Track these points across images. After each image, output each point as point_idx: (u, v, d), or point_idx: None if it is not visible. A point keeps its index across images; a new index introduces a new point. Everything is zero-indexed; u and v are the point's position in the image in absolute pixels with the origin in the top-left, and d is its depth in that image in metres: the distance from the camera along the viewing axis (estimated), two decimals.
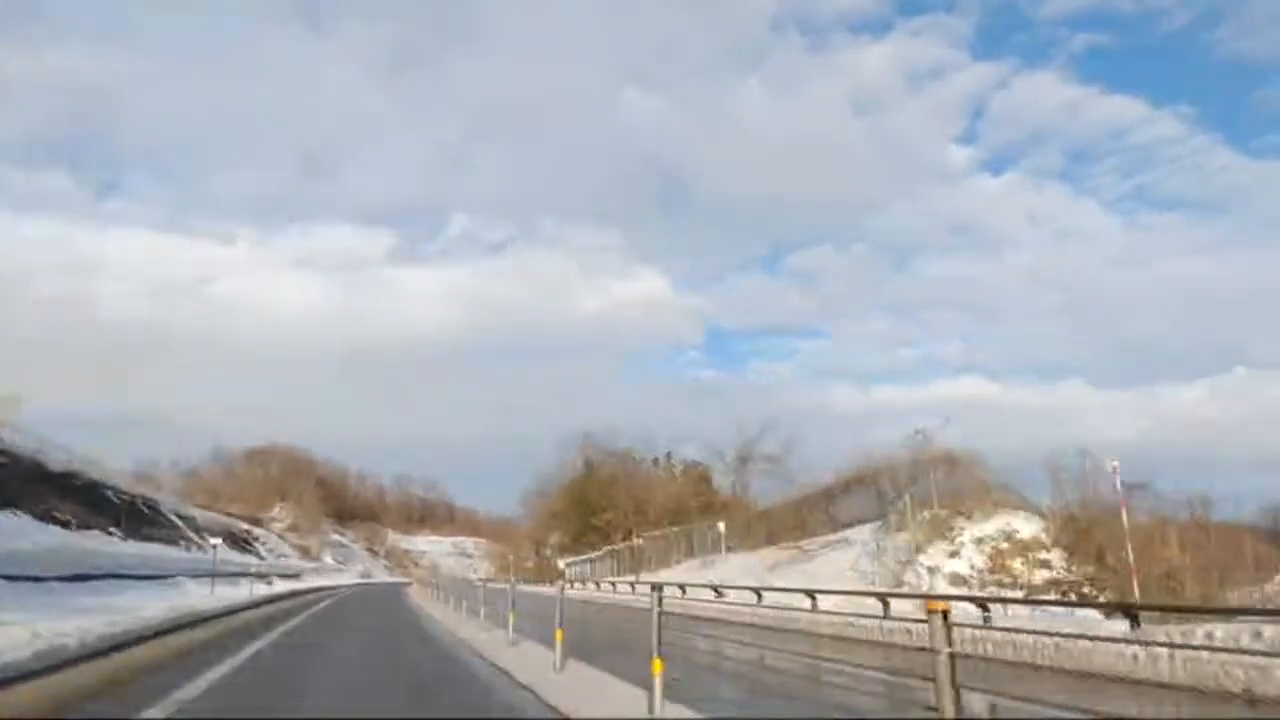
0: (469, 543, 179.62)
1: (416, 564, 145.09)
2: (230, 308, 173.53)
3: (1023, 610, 18.63)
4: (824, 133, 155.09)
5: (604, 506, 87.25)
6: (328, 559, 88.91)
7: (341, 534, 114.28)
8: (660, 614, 7.39)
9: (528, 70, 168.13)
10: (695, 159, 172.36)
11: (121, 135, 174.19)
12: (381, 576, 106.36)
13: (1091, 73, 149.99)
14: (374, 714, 8.35)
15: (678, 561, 51.36)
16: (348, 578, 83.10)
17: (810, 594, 21.13)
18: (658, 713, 7.05)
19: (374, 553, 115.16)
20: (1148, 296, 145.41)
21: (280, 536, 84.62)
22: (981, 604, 16.95)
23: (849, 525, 36.88)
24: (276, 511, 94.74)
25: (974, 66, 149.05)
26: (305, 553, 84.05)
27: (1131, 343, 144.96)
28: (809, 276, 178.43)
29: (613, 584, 49.16)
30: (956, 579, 27.83)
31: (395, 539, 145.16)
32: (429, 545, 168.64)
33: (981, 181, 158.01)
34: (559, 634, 11.01)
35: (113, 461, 51.29)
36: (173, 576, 34.75)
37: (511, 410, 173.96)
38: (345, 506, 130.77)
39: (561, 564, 74.25)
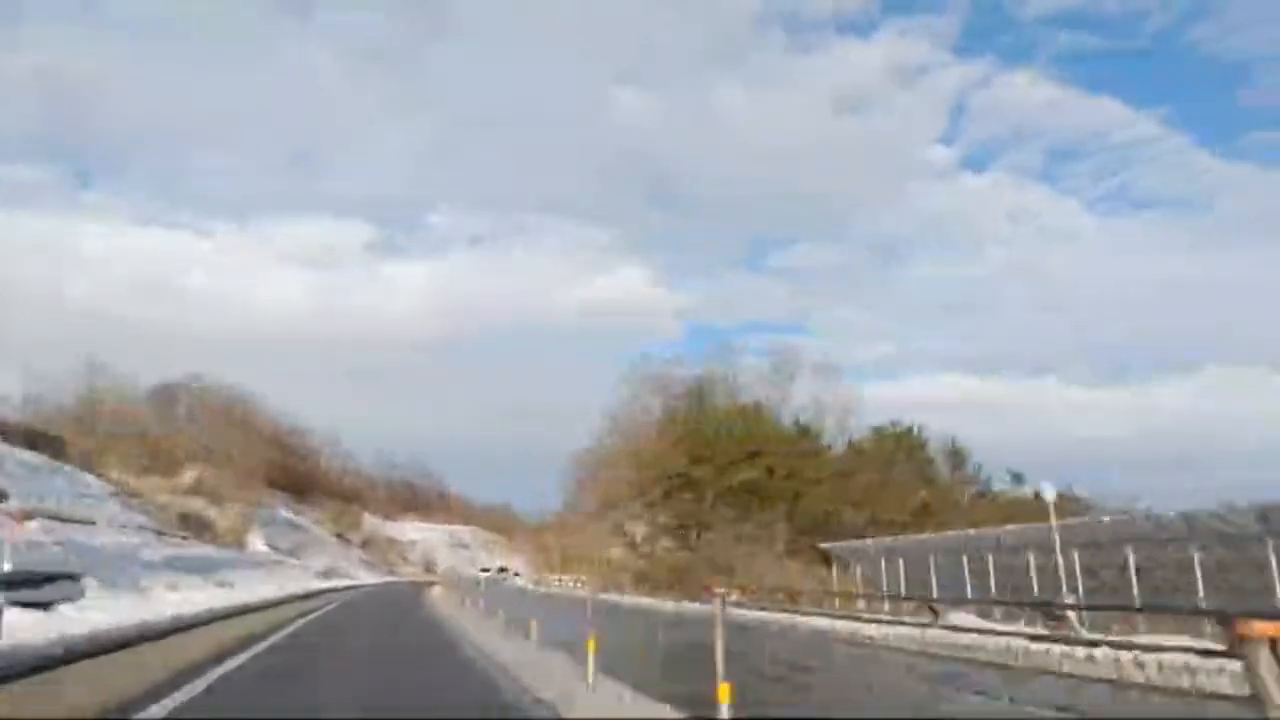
0: (465, 531, 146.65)
1: (405, 557, 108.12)
2: (207, 301, 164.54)
3: None
4: (808, 130, 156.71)
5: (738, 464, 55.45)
6: (258, 545, 51.96)
7: (297, 512, 77.52)
8: None
9: (512, 65, 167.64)
10: (680, 155, 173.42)
11: (97, 126, 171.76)
12: (359, 575, 69.96)
13: (1073, 73, 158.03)
14: None
15: None
16: (298, 579, 46.60)
17: None
18: None
19: (345, 540, 79.22)
20: (1125, 294, 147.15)
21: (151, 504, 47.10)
22: None
23: None
24: (188, 478, 57.56)
25: (957, 66, 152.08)
26: (214, 534, 47.02)
27: (1109, 340, 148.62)
28: (792, 273, 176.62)
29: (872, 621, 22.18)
30: None
31: (375, 524, 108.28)
32: (419, 533, 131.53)
33: (964, 180, 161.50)
34: None
35: None
36: None
37: (497, 404, 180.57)
38: (305, 479, 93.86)
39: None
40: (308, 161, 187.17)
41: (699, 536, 58.87)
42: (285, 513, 72.07)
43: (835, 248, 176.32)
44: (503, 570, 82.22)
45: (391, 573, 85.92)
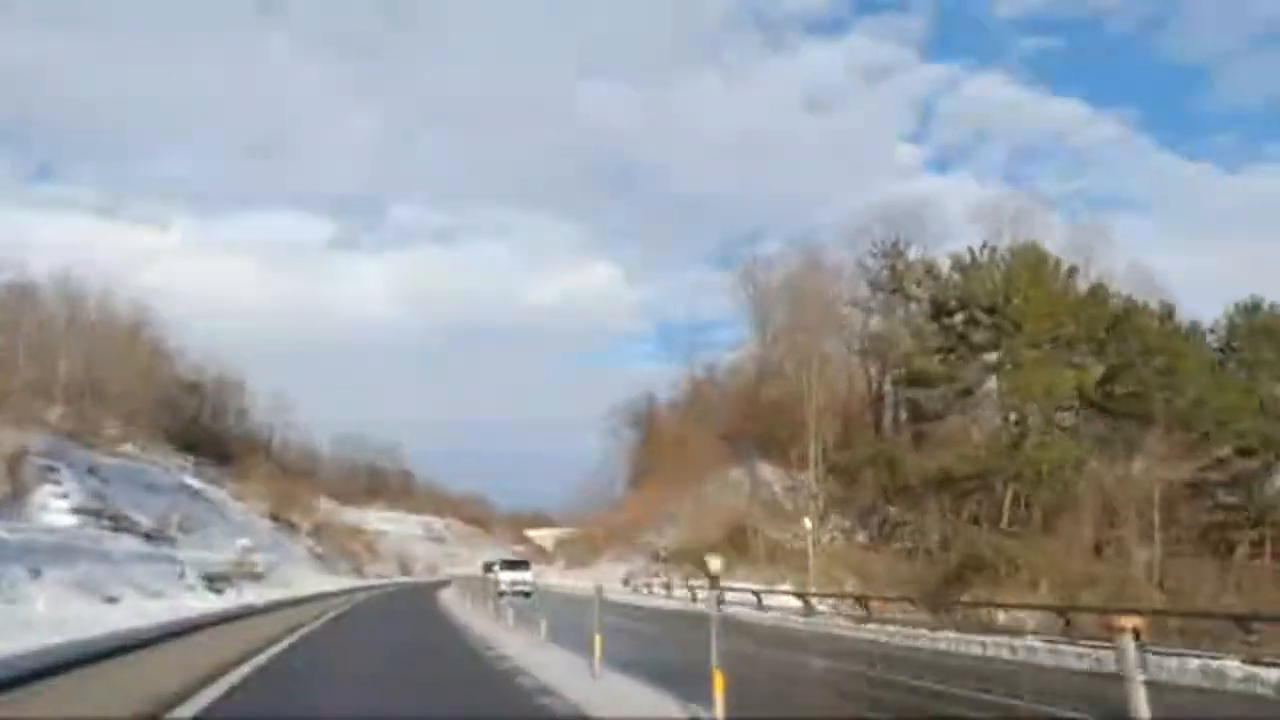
0: (439, 523, 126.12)
1: (372, 551, 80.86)
2: (164, 295, 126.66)
3: None
4: (778, 127, 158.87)
5: None
6: (56, 508, 24.46)
7: (211, 480, 50.00)
8: None
9: (480, 58, 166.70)
10: (649, 151, 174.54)
11: (52, 117, 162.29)
12: (300, 577, 43.22)
13: (1038, 74, 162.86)
14: None
15: None
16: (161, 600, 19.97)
17: None
18: None
19: (286, 524, 52.25)
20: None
21: None
22: None
23: None
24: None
25: (924, 67, 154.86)
26: None
27: None
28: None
29: None
30: None
31: (332, 509, 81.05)
32: (389, 523, 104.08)
33: (929, 179, 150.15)
34: None
35: None
36: None
37: (464, 399, 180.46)
38: (224, 441, 66.28)
39: None
40: (267, 155, 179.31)
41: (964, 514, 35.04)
42: (194, 482, 45.19)
43: (803, 244, 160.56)
44: (515, 566, 55.62)
45: (356, 572, 59.36)
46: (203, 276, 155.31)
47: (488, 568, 43.51)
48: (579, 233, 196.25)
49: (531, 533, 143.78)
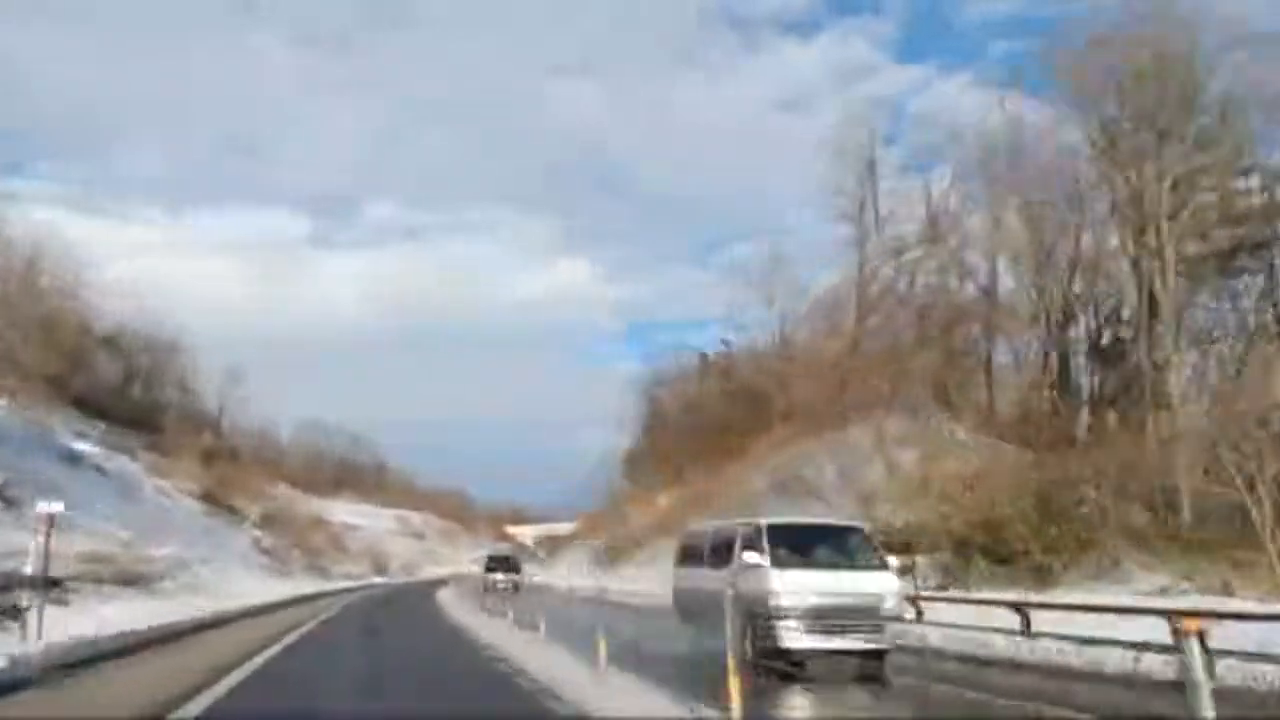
0: (416, 518, 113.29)
1: (342, 547, 67.88)
2: (136, 291, 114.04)
3: None
4: (753, 127, 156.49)
5: None
6: None
7: (113, 445, 36.94)
8: None
9: (459, 56, 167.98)
10: (626, 150, 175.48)
11: (17, 109, 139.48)
12: (239, 584, 30.69)
13: (1007, 77, 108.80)
14: None
15: None
16: None
17: None
18: None
19: (222, 508, 39.31)
20: None
21: None
22: None
23: None
24: None
25: (897, 69, 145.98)
26: None
27: None
28: (737, 270, 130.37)
29: None
30: None
31: (292, 497, 68.13)
32: (361, 516, 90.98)
33: (902, 181, 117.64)
34: None
35: None
36: None
37: (442, 396, 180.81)
38: (166, 416, 53.26)
39: None
40: (242, 151, 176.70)
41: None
42: (83, 446, 32.33)
43: (778, 244, 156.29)
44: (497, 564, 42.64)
45: (318, 572, 46.45)
46: (175, 272, 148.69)
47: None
48: (555, 232, 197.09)
49: (512, 529, 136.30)
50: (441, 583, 47.24)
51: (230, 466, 49.71)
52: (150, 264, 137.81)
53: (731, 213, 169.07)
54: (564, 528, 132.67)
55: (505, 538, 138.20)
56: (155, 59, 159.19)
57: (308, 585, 36.73)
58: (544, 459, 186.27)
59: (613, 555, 49.94)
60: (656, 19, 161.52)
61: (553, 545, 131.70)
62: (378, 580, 57.46)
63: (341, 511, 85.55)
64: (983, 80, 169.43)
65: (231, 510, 42.03)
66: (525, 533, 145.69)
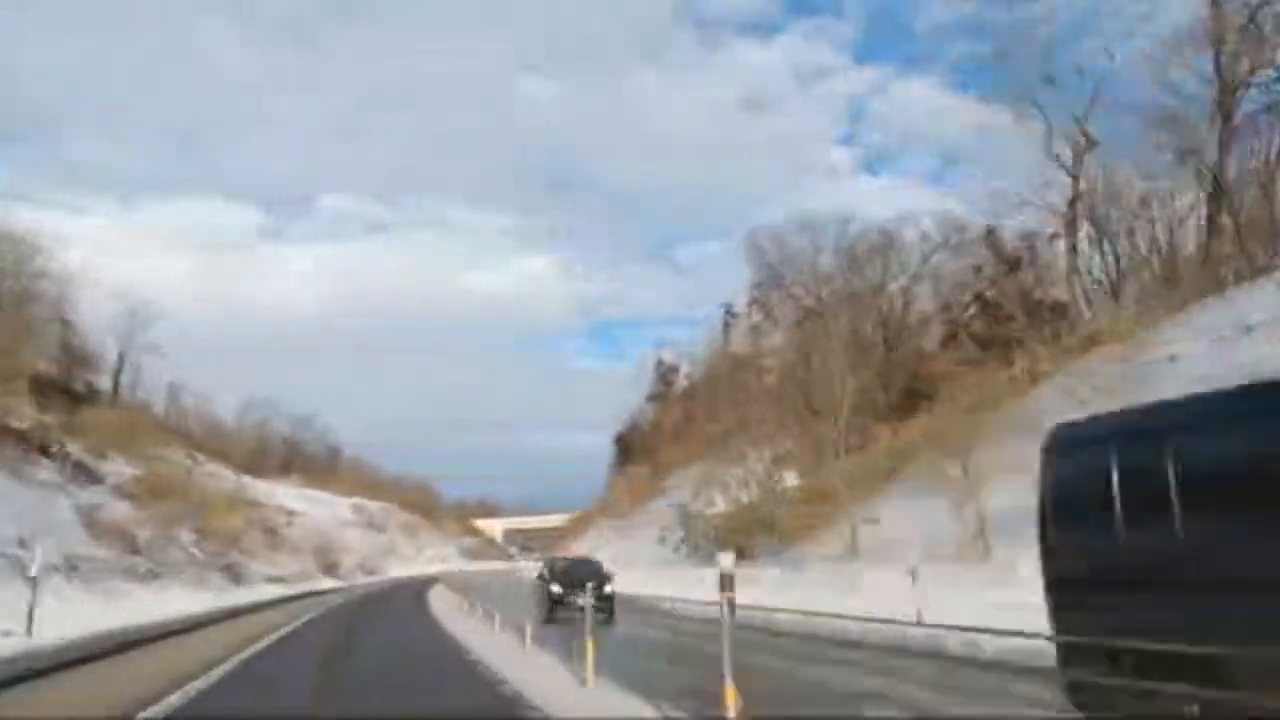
0: (373, 506, 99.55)
1: (274, 533, 53.36)
2: (80, 283, 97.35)
3: None
4: (714, 127, 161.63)
5: None
6: None
7: None
8: None
9: (418, 48, 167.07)
10: (587, 148, 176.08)
11: None
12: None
13: (964, 80, 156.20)
14: None
15: None
16: None
17: None
18: None
19: (78, 470, 26.17)
20: None
21: None
22: None
23: None
24: None
25: (856, 70, 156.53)
26: None
27: None
28: (696, 269, 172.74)
29: None
30: None
31: (225, 477, 53.97)
32: (306, 502, 76.26)
33: (861, 182, 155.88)
34: None
35: None
36: None
37: (400, 388, 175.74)
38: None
39: None
40: (195, 142, 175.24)
41: None
42: None
43: (739, 243, 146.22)
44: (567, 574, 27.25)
45: (227, 574, 32.12)
46: (125, 263, 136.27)
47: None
48: (516, 227, 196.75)
49: (480, 523, 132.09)
50: (425, 588, 34.05)
51: (101, 413, 35.56)
52: (98, 253, 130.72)
53: (692, 211, 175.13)
54: (534, 521, 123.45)
55: (473, 531, 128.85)
56: (104, 49, 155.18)
57: (182, 603, 22.84)
58: (508, 454, 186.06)
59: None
60: (622, 17, 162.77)
61: (525, 539, 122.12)
62: (325, 585, 43.42)
63: (285, 495, 71.22)
64: (941, 82, 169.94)
65: (79, 468, 27.90)
66: (494, 526, 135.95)
